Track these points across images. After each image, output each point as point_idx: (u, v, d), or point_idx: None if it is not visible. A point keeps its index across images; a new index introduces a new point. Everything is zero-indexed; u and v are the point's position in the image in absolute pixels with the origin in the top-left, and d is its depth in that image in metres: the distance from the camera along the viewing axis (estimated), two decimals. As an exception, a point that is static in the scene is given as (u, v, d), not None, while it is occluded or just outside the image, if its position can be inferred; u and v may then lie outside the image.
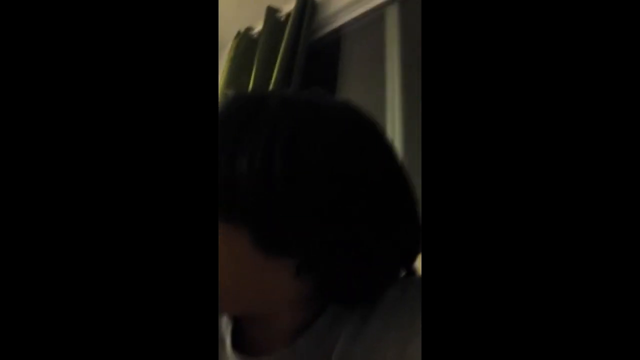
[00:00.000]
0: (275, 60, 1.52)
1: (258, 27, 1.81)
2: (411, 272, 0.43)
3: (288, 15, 1.67)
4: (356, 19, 1.62)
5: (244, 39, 1.85)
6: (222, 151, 0.35)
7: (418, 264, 0.42)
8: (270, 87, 1.46)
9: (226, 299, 0.37)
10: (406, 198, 0.40)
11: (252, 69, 1.62)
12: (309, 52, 1.56)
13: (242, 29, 1.89)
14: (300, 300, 0.40)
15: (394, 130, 1.28)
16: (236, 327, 0.45)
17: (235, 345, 0.43)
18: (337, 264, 0.37)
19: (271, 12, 1.74)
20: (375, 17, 1.56)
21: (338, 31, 1.67)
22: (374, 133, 0.41)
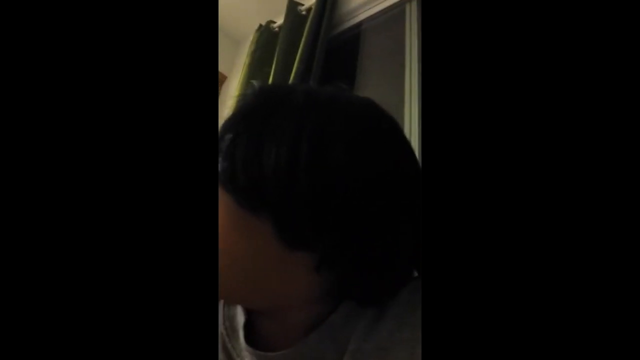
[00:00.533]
0: (296, 54, 1.54)
1: (279, 20, 1.83)
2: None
3: (309, 9, 1.69)
4: (377, 15, 1.63)
5: (265, 32, 1.86)
6: (247, 143, 0.36)
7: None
8: (291, 80, 1.48)
9: (245, 291, 0.38)
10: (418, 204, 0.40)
11: (272, 62, 1.63)
12: (329, 46, 1.58)
13: (264, 23, 1.91)
14: (317, 296, 0.40)
15: (412, 126, 1.29)
16: (249, 320, 0.45)
17: (248, 338, 0.43)
18: (356, 260, 0.37)
19: (293, 5, 1.76)
20: (395, 13, 1.56)
21: (358, 26, 1.68)
22: (395, 131, 0.42)
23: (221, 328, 0.46)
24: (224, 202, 0.36)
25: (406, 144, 0.42)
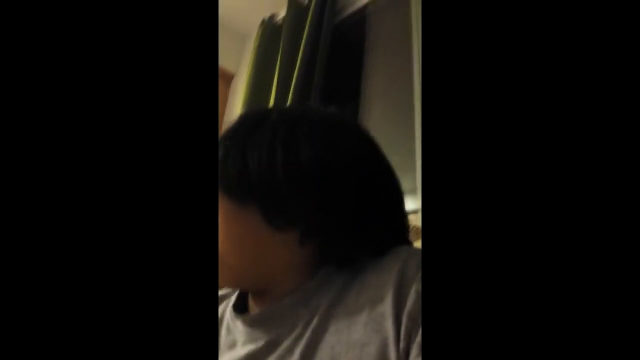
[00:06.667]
0: (300, 45, 1.51)
1: (282, 13, 1.80)
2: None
3: (310, -2, 1.65)
4: (380, -4, 1.58)
5: (269, 27, 1.84)
6: (235, 150, 0.47)
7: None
8: (295, 71, 1.45)
9: (242, 273, 0.48)
10: (386, 187, 0.51)
11: (277, 56, 1.61)
12: (335, 33, 1.54)
13: (267, 17, 1.89)
14: (300, 268, 0.48)
15: (418, 107, 1.25)
16: (240, 294, 0.55)
17: (236, 307, 0.53)
18: (331, 226, 0.46)
19: (294, -4, 1.72)
20: (399, -7, 1.51)
21: (362, 10, 1.64)
22: (356, 129, 0.53)
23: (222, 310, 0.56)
24: (220, 202, 0.47)
25: (367, 139, 0.52)
